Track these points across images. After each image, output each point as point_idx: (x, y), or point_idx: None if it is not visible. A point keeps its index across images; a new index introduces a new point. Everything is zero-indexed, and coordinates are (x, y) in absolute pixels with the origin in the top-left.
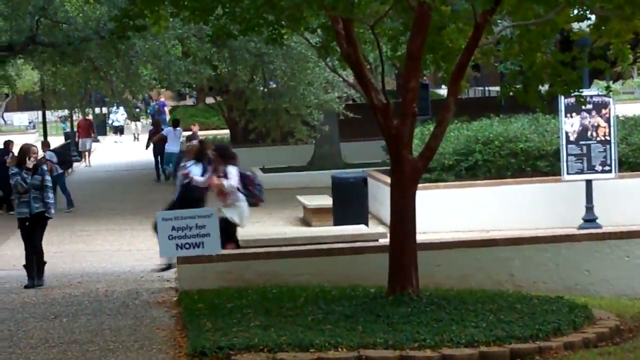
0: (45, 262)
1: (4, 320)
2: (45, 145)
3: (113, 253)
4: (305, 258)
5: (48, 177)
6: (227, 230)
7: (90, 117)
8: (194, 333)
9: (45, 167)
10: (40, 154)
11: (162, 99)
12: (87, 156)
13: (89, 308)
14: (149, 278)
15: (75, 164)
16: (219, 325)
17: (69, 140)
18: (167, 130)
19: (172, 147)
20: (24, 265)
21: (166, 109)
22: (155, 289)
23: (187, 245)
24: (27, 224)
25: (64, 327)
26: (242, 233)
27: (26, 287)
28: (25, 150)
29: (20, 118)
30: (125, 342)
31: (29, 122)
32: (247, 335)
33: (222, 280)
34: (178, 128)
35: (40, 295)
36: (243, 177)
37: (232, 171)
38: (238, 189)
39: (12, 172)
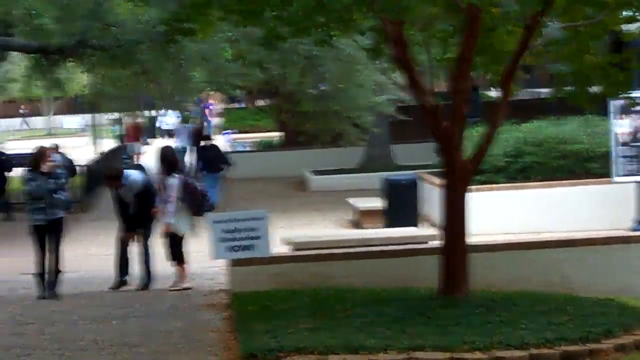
0: (60, 271)
1: (54, 322)
2: (54, 148)
3: (164, 255)
4: (356, 260)
5: (64, 181)
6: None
7: (141, 119)
8: (244, 335)
9: (60, 171)
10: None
11: (210, 102)
12: (136, 160)
13: (140, 310)
14: (200, 280)
15: None
16: (270, 328)
17: (119, 144)
18: (178, 126)
19: (181, 143)
20: (34, 274)
21: (207, 111)
22: (206, 291)
23: (238, 248)
24: (43, 231)
25: (114, 329)
26: (293, 235)
27: (39, 298)
28: (40, 153)
29: (71, 121)
30: (176, 344)
31: (80, 125)
32: (297, 338)
33: (273, 283)
34: (188, 124)
35: (91, 298)
36: (185, 187)
37: (172, 183)
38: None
39: (27, 177)
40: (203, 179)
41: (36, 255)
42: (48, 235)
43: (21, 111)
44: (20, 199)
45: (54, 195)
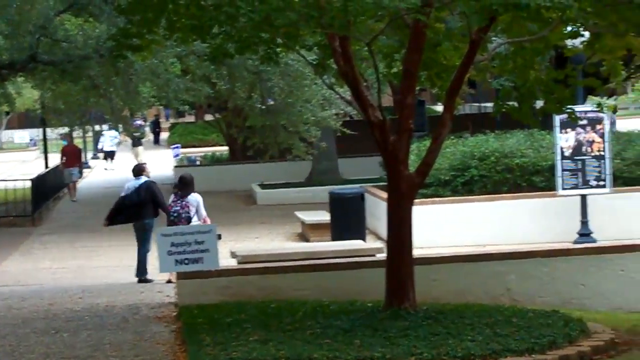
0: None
1: (5, 336)
2: None
3: (114, 268)
4: (304, 273)
5: None
6: None
7: (90, 134)
8: (193, 348)
9: None
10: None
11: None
12: (72, 189)
13: (90, 323)
14: (149, 293)
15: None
16: (219, 340)
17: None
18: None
19: None
20: None
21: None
22: (155, 304)
23: (186, 261)
24: None
25: (64, 342)
26: (241, 248)
27: None
28: None
29: (21, 136)
30: (126, 357)
31: (30, 140)
32: (246, 350)
33: (221, 295)
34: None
35: (42, 311)
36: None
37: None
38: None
39: None
40: None
41: None
42: None
43: None
44: None
45: None
